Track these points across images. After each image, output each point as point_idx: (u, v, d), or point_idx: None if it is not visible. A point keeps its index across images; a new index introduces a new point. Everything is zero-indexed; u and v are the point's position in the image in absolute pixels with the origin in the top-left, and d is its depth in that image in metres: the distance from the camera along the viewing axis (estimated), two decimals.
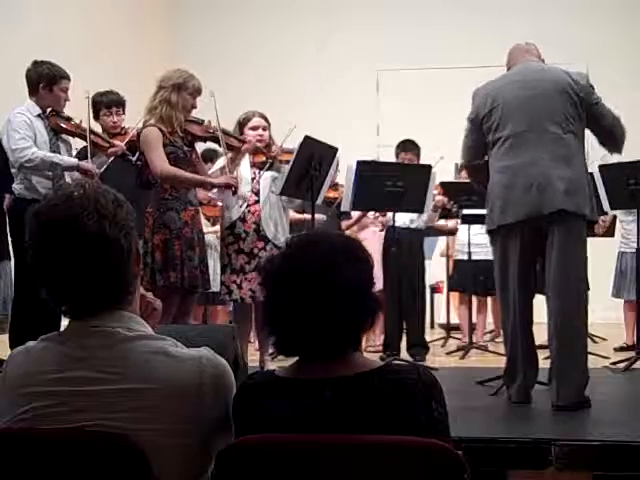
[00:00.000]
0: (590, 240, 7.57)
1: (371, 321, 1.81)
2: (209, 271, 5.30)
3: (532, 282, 4.13)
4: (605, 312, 8.35)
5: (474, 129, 4.23)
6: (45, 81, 5.12)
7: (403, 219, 6.28)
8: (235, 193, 5.26)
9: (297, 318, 1.74)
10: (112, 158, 5.33)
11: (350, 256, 1.78)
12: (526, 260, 4.09)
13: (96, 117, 5.51)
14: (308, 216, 5.81)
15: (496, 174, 4.13)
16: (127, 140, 5.35)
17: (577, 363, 3.94)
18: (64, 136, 5.27)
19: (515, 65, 4.32)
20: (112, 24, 9.45)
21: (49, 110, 5.16)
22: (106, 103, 5.58)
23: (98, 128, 5.55)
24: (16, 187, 5.09)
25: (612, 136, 4.22)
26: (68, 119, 5.24)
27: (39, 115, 5.13)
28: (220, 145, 5.24)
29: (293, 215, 6.07)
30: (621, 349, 6.58)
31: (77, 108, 5.36)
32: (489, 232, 4.22)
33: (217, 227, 6.85)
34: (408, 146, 6.39)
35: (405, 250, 6.13)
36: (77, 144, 5.47)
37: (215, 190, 5.49)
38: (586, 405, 3.91)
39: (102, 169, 5.28)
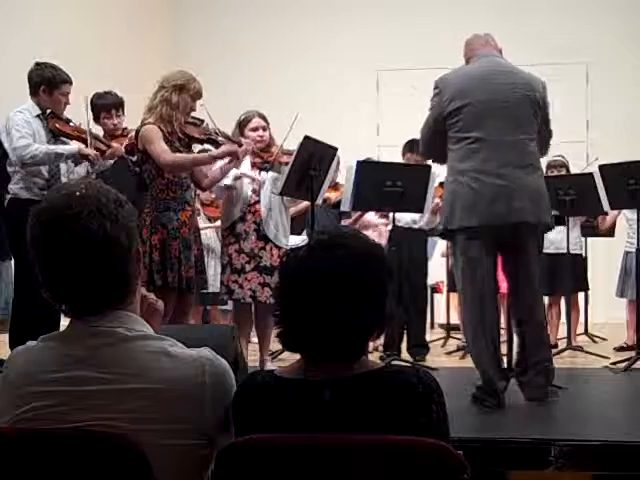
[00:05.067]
0: (590, 240, 7.71)
1: (378, 332, 1.82)
2: (207, 272, 5.30)
3: (497, 282, 4.24)
4: (605, 312, 8.37)
5: (437, 120, 4.17)
6: (46, 84, 5.12)
7: (406, 219, 6.28)
8: (238, 158, 5.18)
9: (307, 317, 1.74)
10: (112, 160, 5.33)
11: (371, 266, 1.77)
12: (491, 261, 4.14)
13: (96, 120, 5.51)
14: (306, 203, 5.81)
15: (459, 175, 4.10)
16: (127, 143, 5.34)
17: (547, 356, 4.20)
18: (62, 138, 5.26)
19: (476, 57, 4.29)
20: (113, 24, 9.46)
21: (48, 112, 5.16)
22: (106, 106, 5.57)
23: (99, 131, 5.55)
24: (12, 187, 5.09)
25: (546, 142, 4.35)
26: (67, 121, 5.23)
27: (38, 116, 5.13)
28: (217, 148, 5.23)
29: (292, 209, 6.07)
30: (621, 349, 6.56)
31: (77, 108, 5.36)
32: (447, 231, 4.22)
33: (217, 223, 6.82)
34: (415, 146, 6.40)
35: (407, 250, 6.12)
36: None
37: (224, 184, 5.45)
38: (554, 396, 4.12)
39: (101, 171, 5.28)
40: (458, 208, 4.08)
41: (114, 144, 5.28)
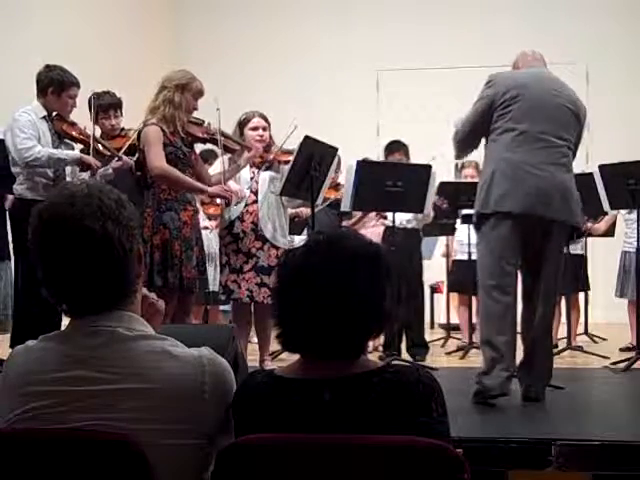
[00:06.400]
0: (590, 240, 7.71)
1: (378, 331, 1.82)
2: (209, 272, 5.31)
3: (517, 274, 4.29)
4: (605, 312, 8.37)
5: (486, 111, 4.23)
6: (54, 86, 5.13)
7: (400, 219, 6.28)
8: (228, 205, 5.26)
9: (306, 317, 1.74)
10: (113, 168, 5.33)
11: (370, 265, 1.77)
12: (516, 252, 4.18)
13: (94, 120, 5.51)
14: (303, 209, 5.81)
15: (501, 162, 4.17)
16: (128, 144, 5.34)
17: (551, 360, 4.35)
18: (67, 140, 5.27)
19: (526, 67, 4.40)
20: (114, 24, 9.46)
21: (54, 114, 5.17)
22: (104, 107, 5.58)
23: (97, 130, 5.54)
24: (17, 187, 5.10)
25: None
26: (72, 124, 5.25)
27: (44, 117, 5.14)
28: (219, 147, 5.24)
29: (300, 210, 6.07)
30: (627, 349, 6.55)
31: (78, 109, 5.35)
32: (480, 215, 4.23)
33: (215, 222, 6.81)
34: (395, 147, 6.40)
35: (402, 250, 6.11)
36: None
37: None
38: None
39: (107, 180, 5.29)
40: (495, 194, 4.14)
41: (124, 157, 5.27)
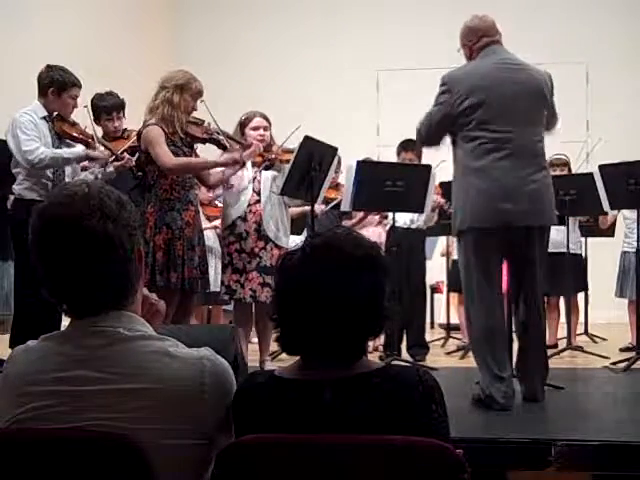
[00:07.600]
0: (590, 240, 7.71)
1: (377, 332, 1.82)
2: (209, 272, 5.31)
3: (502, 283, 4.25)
4: (605, 312, 8.36)
5: (444, 119, 4.16)
6: (55, 86, 5.12)
7: (404, 219, 6.28)
8: (243, 165, 5.24)
9: (305, 320, 1.74)
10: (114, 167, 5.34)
11: (368, 265, 1.77)
12: (499, 262, 4.15)
13: (97, 120, 5.51)
14: (308, 207, 5.81)
15: (471, 175, 4.08)
16: (129, 145, 5.34)
17: (545, 362, 4.32)
18: (68, 140, 5.27)
19: (485, 50, 4.24)
20: (114, 25, 9.47)
21: (55, 114, 5.17)
22: (107, 109, 5.57)
23: (99, 131, 5.55)
24: (16, 188, 5.10)
25: (553, 125, 4.36)
26: (73, 124, 5.24)
27: (44, 117, 5.13)
28: (219, 147, 5.25)
29: (293, 210, 6.07)
30: (627, 349, 6.55)
31: (79, 110, 5.35)
32: (459, 231, 4.18)
33: (217, 222, 6.80)
34: (409, 145, 6.39)
35: (406, 250, 6.12)
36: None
37: (219, 192, 5.50)
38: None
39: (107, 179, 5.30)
40: (469, 209, 4.07)
41: (126, 155, 5.28)
